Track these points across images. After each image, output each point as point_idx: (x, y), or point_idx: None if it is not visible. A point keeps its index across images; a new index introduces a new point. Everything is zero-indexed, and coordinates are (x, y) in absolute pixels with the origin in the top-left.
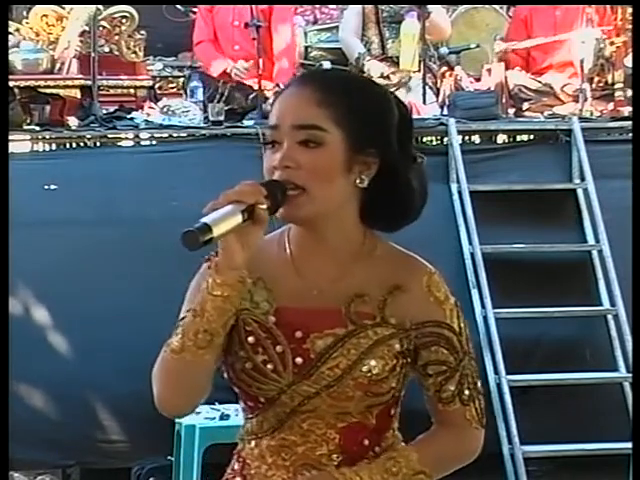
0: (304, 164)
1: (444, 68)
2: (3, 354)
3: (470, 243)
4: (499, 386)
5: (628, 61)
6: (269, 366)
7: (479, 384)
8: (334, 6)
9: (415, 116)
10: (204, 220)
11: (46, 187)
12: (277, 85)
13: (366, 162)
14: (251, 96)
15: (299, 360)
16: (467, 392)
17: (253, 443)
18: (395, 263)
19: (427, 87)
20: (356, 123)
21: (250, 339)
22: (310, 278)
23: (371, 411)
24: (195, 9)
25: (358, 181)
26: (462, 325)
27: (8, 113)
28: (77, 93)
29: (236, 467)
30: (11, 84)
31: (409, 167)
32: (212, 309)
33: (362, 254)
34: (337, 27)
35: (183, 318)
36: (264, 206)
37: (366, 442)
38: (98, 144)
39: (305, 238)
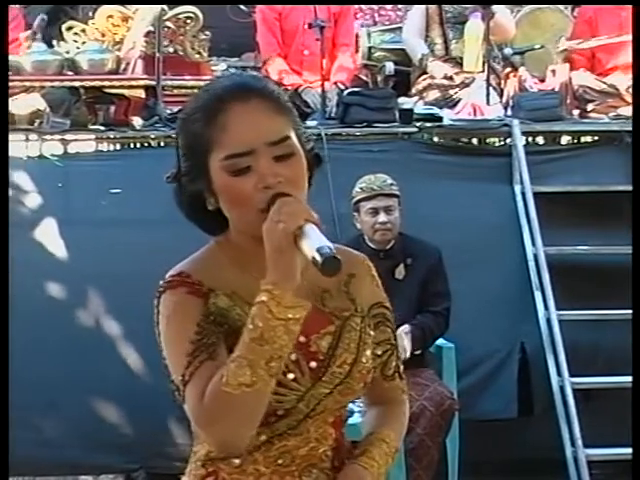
0: (286, 176)
1: (508, 69)
2: (3, 357)
3: (533, 245)
4: (562, 389)
5: None
6: (289, 375)
7: None
8: (390, 7)
9: (479, 117)
10: (327, 244)
11: (111, 191)
12: (335, 85)
13: (308, 160)
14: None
15: (313, 364)
16: (401, 366)
17: (238, 461)
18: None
19: (491, 88)
20: (297, 122)
21: None
22: None
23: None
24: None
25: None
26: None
27: (8, 113)
28: (141, 93)
29: None
30: (77, 84)
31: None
32: (284, 334)
33: None
34: (400, 28)
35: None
36: None
37: (340, 435)
38: (162, 144)
39: (253, 248)
